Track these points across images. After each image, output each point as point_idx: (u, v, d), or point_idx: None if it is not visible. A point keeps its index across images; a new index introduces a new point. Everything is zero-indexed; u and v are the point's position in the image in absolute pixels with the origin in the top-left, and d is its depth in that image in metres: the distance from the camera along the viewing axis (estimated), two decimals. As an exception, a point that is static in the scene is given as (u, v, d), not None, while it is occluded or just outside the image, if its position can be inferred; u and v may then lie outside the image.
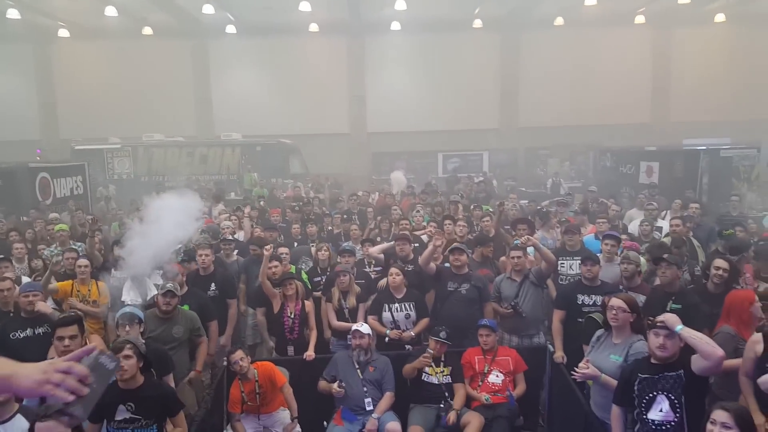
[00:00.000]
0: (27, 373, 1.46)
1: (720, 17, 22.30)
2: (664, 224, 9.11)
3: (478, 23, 22.10)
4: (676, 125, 23.05)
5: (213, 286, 6.21)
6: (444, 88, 23.87)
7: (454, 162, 22.52)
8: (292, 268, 6.75)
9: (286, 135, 21.85)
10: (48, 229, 9.56)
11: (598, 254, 6.19)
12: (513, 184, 17.20)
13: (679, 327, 3.33)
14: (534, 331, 5.92)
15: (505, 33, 23.80)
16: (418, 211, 9.57)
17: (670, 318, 3.40)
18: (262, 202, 13.00)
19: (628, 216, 10.40)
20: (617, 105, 23.36)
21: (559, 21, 21.93)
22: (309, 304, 5.95)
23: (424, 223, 8.85)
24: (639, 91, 24.05)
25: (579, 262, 6.00)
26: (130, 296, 5.84)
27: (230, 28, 22.01)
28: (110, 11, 19.25)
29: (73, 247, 7.53)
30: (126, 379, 3.70)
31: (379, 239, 8.38)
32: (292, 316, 5.75)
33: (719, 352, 3.20)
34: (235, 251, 7.66)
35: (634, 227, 9.13)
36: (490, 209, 10.33)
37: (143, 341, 4.19)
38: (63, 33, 22.72)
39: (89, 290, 5.93)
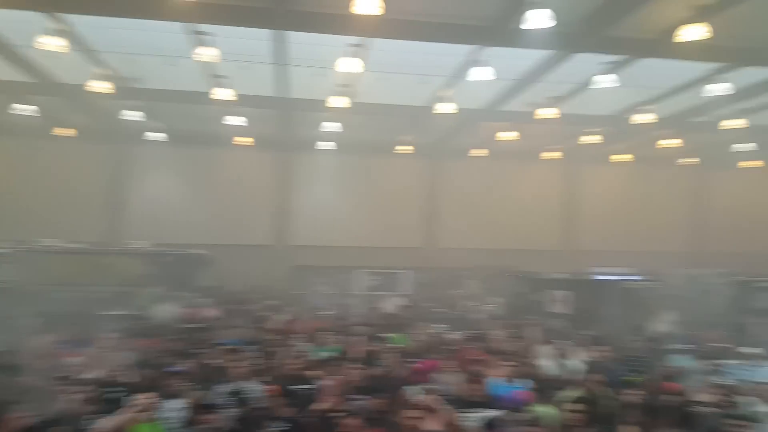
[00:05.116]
0: None
1: (625, 157, 24.48)
2: (573, 363, 9.18)
3: (406, 148, 23.05)
4: (584, 253, 24.35)
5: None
6: (369, 205, 24.43)
7: (376, 279, 22.49)
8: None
9: (202, 245, 20.78)
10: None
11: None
12: (433, 306, 17.13)
13: None
14: None
15: (430, 158, 25.05)
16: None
17: None
18: None
19: (541, 353, 10.37)
20: (531, 231, 24.85)
21: (481, 152, 23.71)
22: None
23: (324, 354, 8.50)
24: (552, 218, 25.80)
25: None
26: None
27: (155, 135, 21.74)
28: (23, 108, 17.98)
29: None
30: None
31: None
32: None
33: None
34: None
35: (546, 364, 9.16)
36: (402, 341, 10.16)
37: None
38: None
39: None
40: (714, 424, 6.11)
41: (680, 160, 25.25)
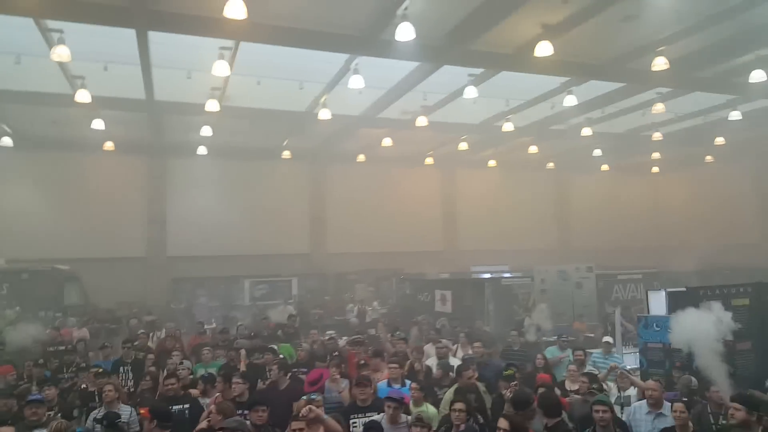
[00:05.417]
0: None
1: (497, 162, 26.08)
2: (456, 362, 9.50)
3: (286, 154, 22.79)
4: (464, 253, 25.78)
5: None
6: (252, 212, 23.67)
7: (262, 289, 21.83)
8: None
9: (66, 260, 19.23)
10: None
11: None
12: (320, 313, 17.08)
13: None
14: None
15: (312, 164, 25.01)
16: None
17: None
18: None
19: (425, 353, 10.63)
20: (415, 234, 25.67)
21: (361, 158, 24.06)
22: None
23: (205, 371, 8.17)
24: (433, 221, 26.95)
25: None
26: None
27: (4, 141, 19.55)
28: None
29: None
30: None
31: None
32: None
33: None
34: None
35: (431, 364, 9.45)
36: (289, 351, 9.99)
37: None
38: None
39: None
40: (582, 411, 6.59)
41: (546, 165, 27.38)
